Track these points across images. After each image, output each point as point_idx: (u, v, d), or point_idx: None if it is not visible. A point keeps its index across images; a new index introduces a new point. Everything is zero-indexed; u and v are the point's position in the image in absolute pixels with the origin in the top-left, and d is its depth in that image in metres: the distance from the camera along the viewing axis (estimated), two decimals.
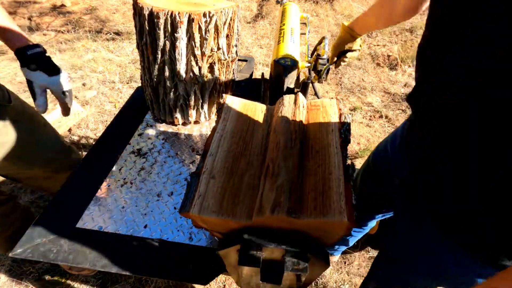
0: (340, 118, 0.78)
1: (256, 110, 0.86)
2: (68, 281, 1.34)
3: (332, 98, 0.87)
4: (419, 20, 3.52)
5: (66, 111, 0.93)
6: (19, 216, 1.13)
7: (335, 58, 1.10)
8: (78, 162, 1.21)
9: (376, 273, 0.88)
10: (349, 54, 1.06)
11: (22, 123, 0.95)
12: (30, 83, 0.83)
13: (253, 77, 1.49)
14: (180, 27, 0.88)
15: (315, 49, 1.26)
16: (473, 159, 0.50)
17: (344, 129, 0.74)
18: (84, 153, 1.90)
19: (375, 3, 0.92)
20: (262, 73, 1.33)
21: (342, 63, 1.10)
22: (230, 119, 0.81)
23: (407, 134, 0.73)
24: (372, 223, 1.13)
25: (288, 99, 0.83)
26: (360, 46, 1.06)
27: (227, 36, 0.99)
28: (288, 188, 0.61)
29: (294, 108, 0.80)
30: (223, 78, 1.09)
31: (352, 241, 1.28)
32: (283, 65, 1.02)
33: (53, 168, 1.10)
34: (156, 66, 0.98)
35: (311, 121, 0.79)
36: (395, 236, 0.75)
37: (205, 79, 1.03)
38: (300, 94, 0.84)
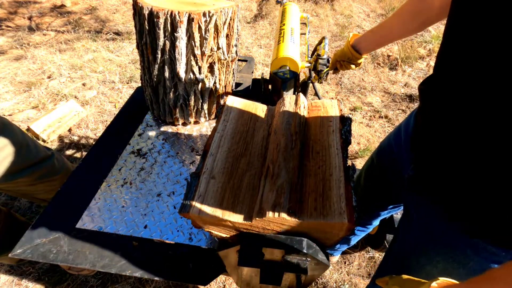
0: (341, 119, 0.78)
1: (257, 111, 0.86)
2: (68, 281, 1.34)
3: (332, 98, 0.87)
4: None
5: None
6: (1, 219, 1.13)
7: (334, 67, 1.10)
8: (64, 166, 1.20)
9: (387, 266, 0.88)
10: (345, 66, 1.07)
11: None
12: None
13: (253, 77, 1.49)
14: (180, 27, 0.87)
15: (315, 49, 1.26)
16: (483, 149, 0.50)
17: (344, 130, 0.74)
18: (84, 153, 1.90)
19: (395, 13, 0.88)
20: (262, 73, 1.33)
21: (341, 70, 1.10)
22: (231, 120, 0.81)
23: (415, 124, 0.73)
24: (376, 222, 1.13)
25: (289, 99, 0.83)
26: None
27: (227, 35, 0.99)
28: (288, 189, 0.60)
29: (295, 108, 0.80)
30: (223, 78, 1.09)
31: (354, 241, 1.28)
32: (282, 78, 1.00)
33: (36, 175, 1.09)
34: (156, 66, 0.98)
35: (312, 121, 0.79)
36: (409, 225, 0.75)
37: (205, 79, 1.03)
38: (301, 94, 0.84)
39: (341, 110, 0.81)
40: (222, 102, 0.85)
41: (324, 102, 0.85)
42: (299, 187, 0.62)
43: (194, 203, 0.61)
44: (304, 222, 0.57)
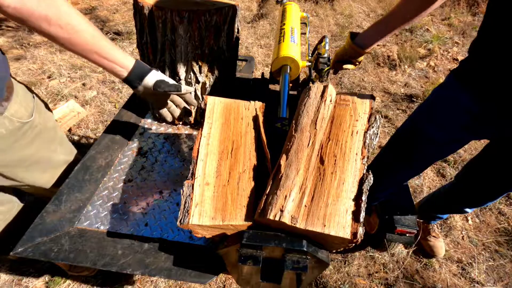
0: (369, 120, 0.70)
1: (239, 108, 0.83)
2: (68, 281, 1.34)
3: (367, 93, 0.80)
4: (419, 20, 3.52)
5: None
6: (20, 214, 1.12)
7: (335, 67, 1.10)
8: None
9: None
10: (346, 66, 1.07)
11: (43, 132, 0.91)
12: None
13: (253, 76, 1.49)
14: (181, 26, 0.88)
15: (315, 48, 1.26)
16: None
17: (371, 132, 0.67)
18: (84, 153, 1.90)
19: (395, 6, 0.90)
20: (262, 73, 1.33)
21: (340, 71, 1.10)
22: (215, 121, 0.78)
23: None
24: None
25: (315, 90, 0.76)
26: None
27: (227, 35, 0.99)
28: (295, 192, 0.59)
29: (320, 101, 0.73)
30: (223, 77, 1.09)
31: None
32: (281, 131, 0.91)
33: (59, 171, 1.06)
34: (157, 66, 0.98)
35: (336, 118, 0.72)
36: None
37: (205, 78, 1.03)
38: (330, 85, 0.77)
39: (371, 108, 0.72)
40: (202, 104, 0.83)
41: (354, 97, 0.76)
42: (307, 192, 0.60)
43: (192, 213, 0.60)
44: (306, 230, 0.56)
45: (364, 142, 0.66)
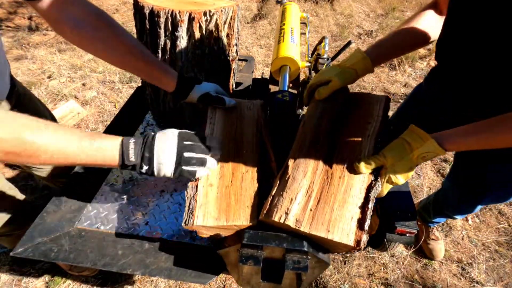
0: (381, 122, 0.66)
1: (241, 108, 0.83)
2: (68, 281, 1.34)
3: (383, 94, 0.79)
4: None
5: None
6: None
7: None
8: None
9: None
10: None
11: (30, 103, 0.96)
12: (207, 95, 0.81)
13: (253, 76, 1.49)
14: (181, 26, 0.88)
15: (315, 49, 1.26)
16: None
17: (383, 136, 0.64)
18: None
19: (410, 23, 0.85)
20: (262, 73, 1.33)
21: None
22: (217, 121, 0.78)
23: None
24: None
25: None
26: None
27: (228, 35, 0.99)
28: (301, 195, 0.58)
29: (332, 101, 0.71)
30: (223, 77, 1.09)
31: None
32: (280, 102, 0.85)
33: None
34: None
35: (350, 118, 0.69)
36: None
37: (205, 78, 1.03)
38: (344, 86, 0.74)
39: (385, 111, 0.68)
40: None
41: (369, 96, 0.72)
42: (313, 195, 0.59)
43: (196, 214, 0.60)
44: (309, 233, 0.56)
45: (375, 147, 0.63)
